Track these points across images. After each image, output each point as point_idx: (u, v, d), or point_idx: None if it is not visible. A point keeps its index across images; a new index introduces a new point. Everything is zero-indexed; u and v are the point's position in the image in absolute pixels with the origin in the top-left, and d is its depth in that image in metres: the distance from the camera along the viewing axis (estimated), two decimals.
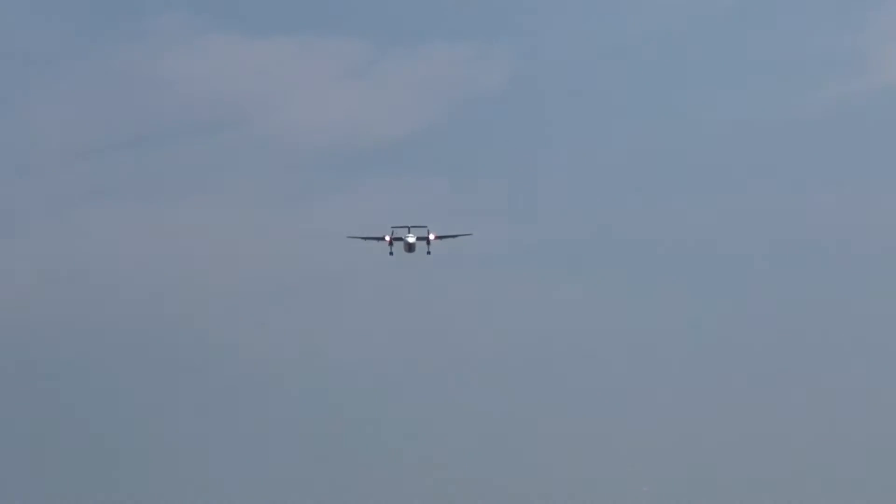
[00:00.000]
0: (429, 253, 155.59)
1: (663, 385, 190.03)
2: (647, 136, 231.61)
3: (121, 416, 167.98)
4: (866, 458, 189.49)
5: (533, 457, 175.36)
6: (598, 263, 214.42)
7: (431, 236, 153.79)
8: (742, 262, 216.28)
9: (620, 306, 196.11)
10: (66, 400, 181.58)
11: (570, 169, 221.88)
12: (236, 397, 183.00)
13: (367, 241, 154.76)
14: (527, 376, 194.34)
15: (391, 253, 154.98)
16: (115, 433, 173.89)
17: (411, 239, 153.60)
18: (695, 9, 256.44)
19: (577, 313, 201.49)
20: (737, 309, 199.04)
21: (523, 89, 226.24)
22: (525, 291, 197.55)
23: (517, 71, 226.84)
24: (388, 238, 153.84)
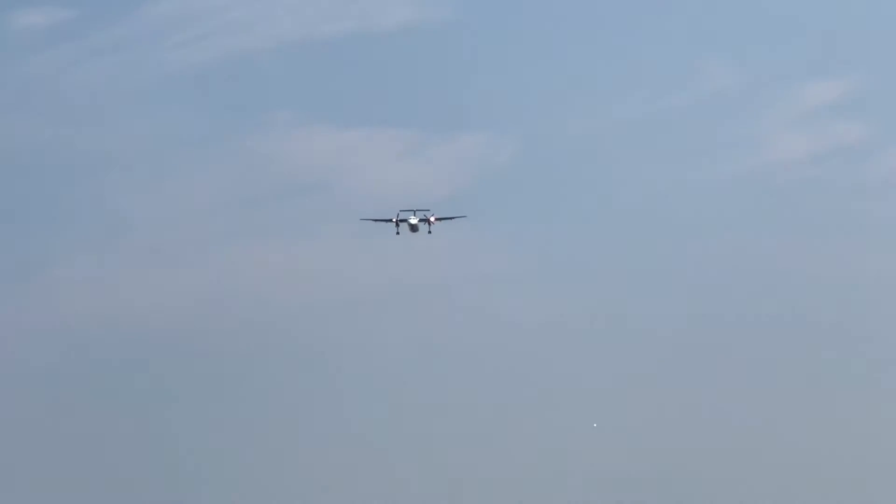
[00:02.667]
0: (430, 232, 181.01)
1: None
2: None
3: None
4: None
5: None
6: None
7: (432, 218, 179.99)
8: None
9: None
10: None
11: (569, 223, 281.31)
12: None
13: (377, 222, 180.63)
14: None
15: (398, 232, 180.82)
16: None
17: (414, 220, 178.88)
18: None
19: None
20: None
21: (530, 163, 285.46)
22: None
23: (524, 149, 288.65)
24: (394, 220, 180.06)
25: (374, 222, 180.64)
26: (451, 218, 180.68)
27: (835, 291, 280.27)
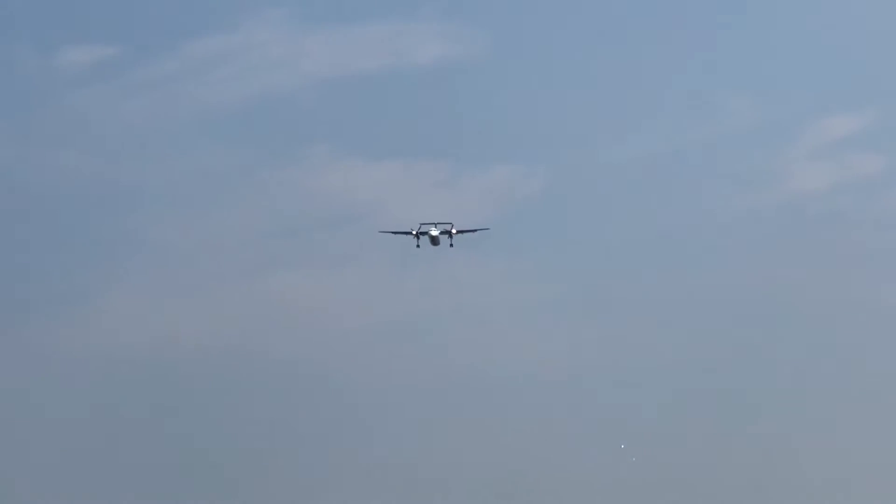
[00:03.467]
0: (451, 245, 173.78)
1: None
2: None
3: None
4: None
5: None
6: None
7: (454, 231, 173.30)
8: None
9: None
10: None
11: (597, 250, 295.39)
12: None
13: (397, 235, 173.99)
14: None
15: (418, 245, 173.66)
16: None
17: (434, 233, 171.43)
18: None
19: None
20: None
21: (559, 193, 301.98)
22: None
23: (554, 180, 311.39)
24: (414, 232, 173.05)
25: (393, 235, 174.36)
26: (472, 230, 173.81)
27: (859, 319, 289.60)
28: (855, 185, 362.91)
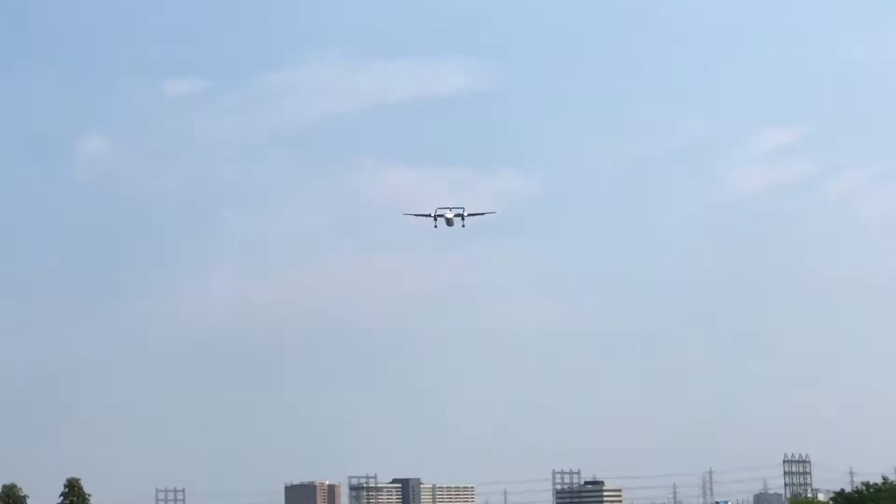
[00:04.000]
0: (463, 226, 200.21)
1: None
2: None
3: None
4: None
5: None
6: None
7: (465, 213, 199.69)
8: None
9: None
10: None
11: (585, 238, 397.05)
12: None
13: (418, 217, 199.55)
14: None
15: (435, 226, 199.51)
16: None
17: (449, 215, 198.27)
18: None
19: None
20: None
21: (553, 193, 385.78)
22: None
23: (549, 183, 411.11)
24: (433, 214, 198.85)
25: (415, 217, 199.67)
26: (481, 213, 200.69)
27: (790, 286, 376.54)
28: (786, 185, 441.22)
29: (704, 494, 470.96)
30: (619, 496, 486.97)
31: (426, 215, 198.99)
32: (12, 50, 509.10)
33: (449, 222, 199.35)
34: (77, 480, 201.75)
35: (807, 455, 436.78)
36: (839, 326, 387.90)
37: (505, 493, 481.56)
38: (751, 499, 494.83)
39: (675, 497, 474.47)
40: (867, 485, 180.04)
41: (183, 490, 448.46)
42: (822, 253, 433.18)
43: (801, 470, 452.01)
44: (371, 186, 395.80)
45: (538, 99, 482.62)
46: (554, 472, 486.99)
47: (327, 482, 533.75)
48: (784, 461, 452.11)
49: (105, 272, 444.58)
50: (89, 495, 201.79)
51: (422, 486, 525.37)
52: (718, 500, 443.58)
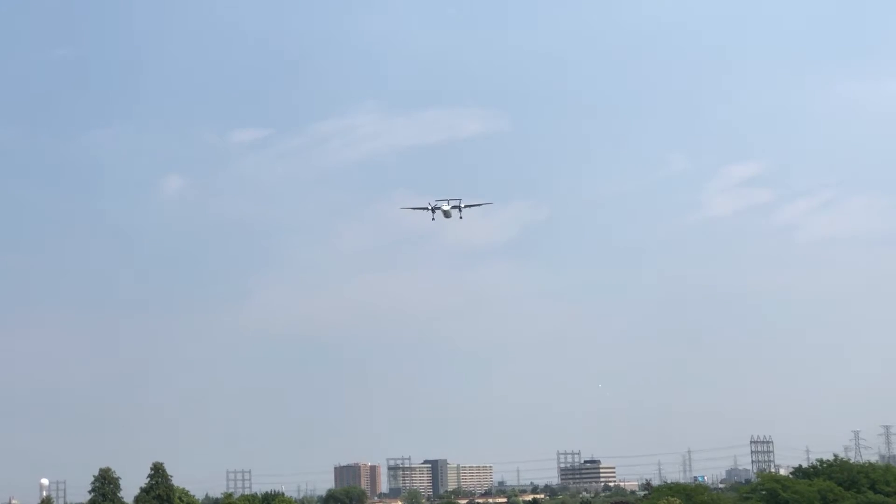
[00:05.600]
0: (461, 217, 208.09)
1: None
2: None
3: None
4: None
5: None
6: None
7: (462, 205, 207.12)
8: None
9: None
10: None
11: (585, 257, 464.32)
12: None
13: (416, 210, 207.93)
14: None
15: (433, 218, 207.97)
16: None
17: (446, 207, 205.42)
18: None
19: None
20: None
21: (558, 219, 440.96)
22: None
23: (554, 211, 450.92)
24: (430, 207, 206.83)
25: (412, 210, 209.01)
26: (479, 205, 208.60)
27: (756, 298, 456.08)
28: (750, 210, 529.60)
29: (684, 471, 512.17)
30: (613, 472, 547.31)
31: (423, 208, 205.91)
32: (113, 107, 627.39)
33: (447, 214, 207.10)
34: (161, 464, 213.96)
35: (770, 436, 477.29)
36: (792, 327, 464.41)
37: (518, 470, 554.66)
38: (724, 474, 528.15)
39: (659, 473, 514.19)
40: (821, 461, 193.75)
41: (249, 471, 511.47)
42: (777, 265, 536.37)
43: (766, 449, 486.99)
44: (404, 216, 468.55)
45: (542, 141, 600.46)
46: (558, 453, 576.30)
47: (369, 463, 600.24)
48: (751, 442, 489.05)
49: (185, 287, 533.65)
50: (171, 476, 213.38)
51: (448, 465, 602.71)
52: (696, 476, 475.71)
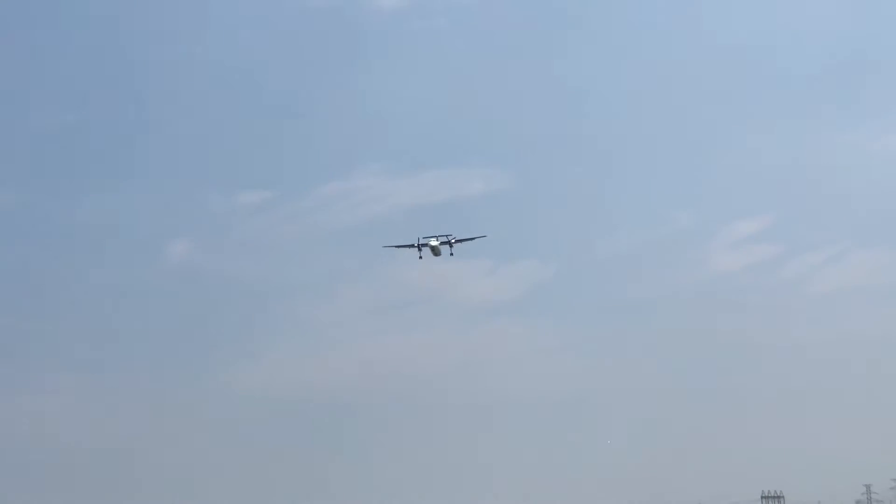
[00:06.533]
0: (452, 254, 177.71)
1: None
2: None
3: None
4: None
5: None
6: None
7: (453, 240, 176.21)
8: None
9: None
10: None
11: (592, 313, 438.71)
12: None
13: (400, 248, 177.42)
14: None
15: (420, 257, 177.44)
16: None
17: (434, 243, 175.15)
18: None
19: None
20: None
21: (564, 277, 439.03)
22: None
23: (561, 269, 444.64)
24: (417, 244, 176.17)
25: (396, 248, 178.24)
26: (471, 239, 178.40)
27: (762, 349, 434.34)
28: (756, 266, 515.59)
29: None
30: None
31: (409, 246, 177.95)
32: (117, 171, 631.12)
33: (435, 251, 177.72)
34: None
35: (781, 491, 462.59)
36: (803, 380, 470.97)
37: None
38: None
39: None
40: None
41: None
42: (785, 319, 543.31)
43: None
44: (409, 276, 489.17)
45: (545, 199, 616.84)
46: None
47: None
48: (762, 497, 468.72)
49: (190, 349, 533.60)
50: None
51: None
52: None
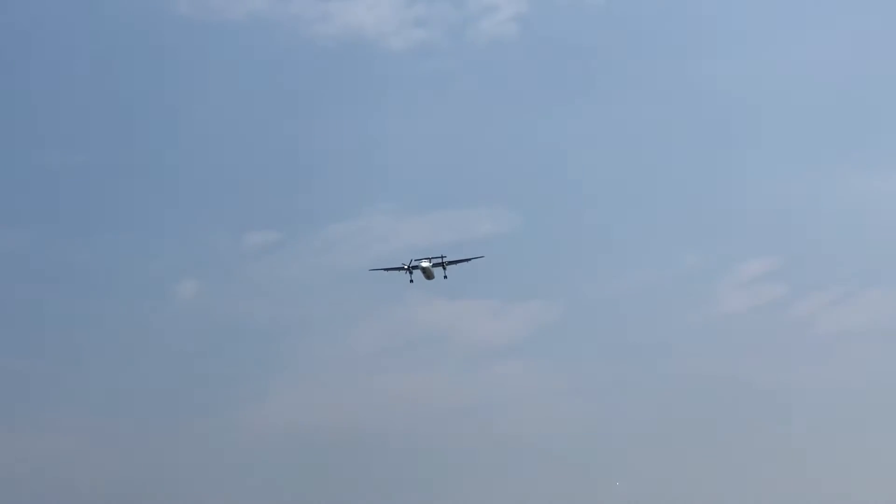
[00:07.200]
0: (445, 277, 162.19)
1: None
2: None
3: None
4: None
5: None
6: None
7: (446, 261, 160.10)
8: None
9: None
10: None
11: (599, 357, 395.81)
12: None
13: (389, 271, 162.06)
14: None
15: (411, 280, 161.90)
16: None
17: (425, 264, 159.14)
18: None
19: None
20: None
21: (570, 318, 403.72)
22: None
23: (567, 310, 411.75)
24: (406, 266, 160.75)
25: (385, 272, 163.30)
26: (466, 260, 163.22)
27: (768, 387, 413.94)
28: (763, 306, 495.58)
29: None
30: None
31: (398, 269, 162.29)
32: (125, 212, 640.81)
33: (427, 274, 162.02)
34: None
35: None
36: (811, 420, 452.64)
37: None
38: None
39: None
40: None
41: None
42: (793, 360, 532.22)
43: None
44: (418, 316, 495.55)
45: (552, 241, 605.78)
46: None
47: None
48: None
49: (198, 390, 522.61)
50: None
51: None
52: None
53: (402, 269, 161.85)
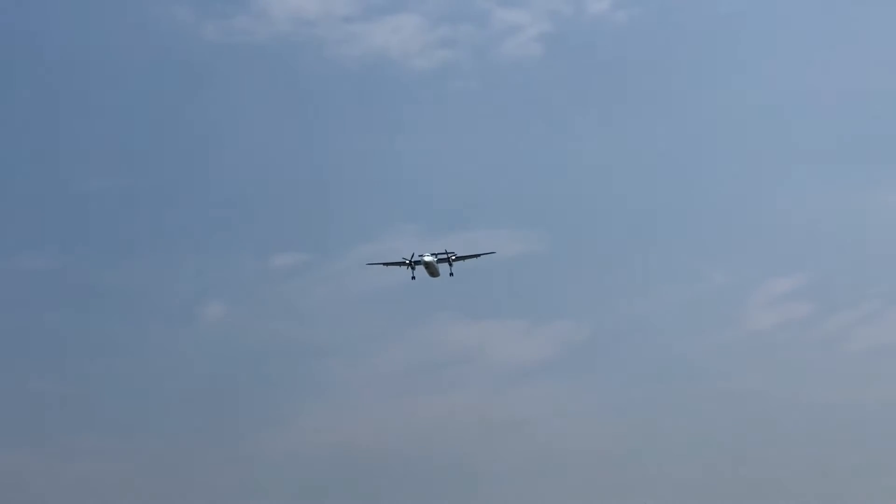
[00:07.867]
0: (451, 274, 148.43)
1: None
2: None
3: None
4: None
5: None
6: None
7: (453, 257, 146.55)
8: None
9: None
10: None
11: (628, 377, 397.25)
12: None
13: (389, 266, 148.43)
14: None
15: (413, 277, 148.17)
16: None
17: (428, 258, 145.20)
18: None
19: None
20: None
21: (598, 338, 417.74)
22: None
23: (594, 330, 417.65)
24: (408, 261, 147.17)
25: (384, 266, 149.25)
26: (476, 256, 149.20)
27: (797, 408, 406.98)
28: (791, 324, 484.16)
29: None
30: None
31: (398, 264, 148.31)
32: (152, 234, 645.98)
33: (431, 270, 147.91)
34: None
35: None
36: (841, 440, 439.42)
37: None
38: None
39: None
40: None
41: None
42: (822, 378, 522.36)
43: None
44: (444, 337, 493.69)
45: (579, 260, 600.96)
46: None
47: None
48: None
49: (225, 413, 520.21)
50: None
51: None
52: None
53: (404, 263, 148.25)
